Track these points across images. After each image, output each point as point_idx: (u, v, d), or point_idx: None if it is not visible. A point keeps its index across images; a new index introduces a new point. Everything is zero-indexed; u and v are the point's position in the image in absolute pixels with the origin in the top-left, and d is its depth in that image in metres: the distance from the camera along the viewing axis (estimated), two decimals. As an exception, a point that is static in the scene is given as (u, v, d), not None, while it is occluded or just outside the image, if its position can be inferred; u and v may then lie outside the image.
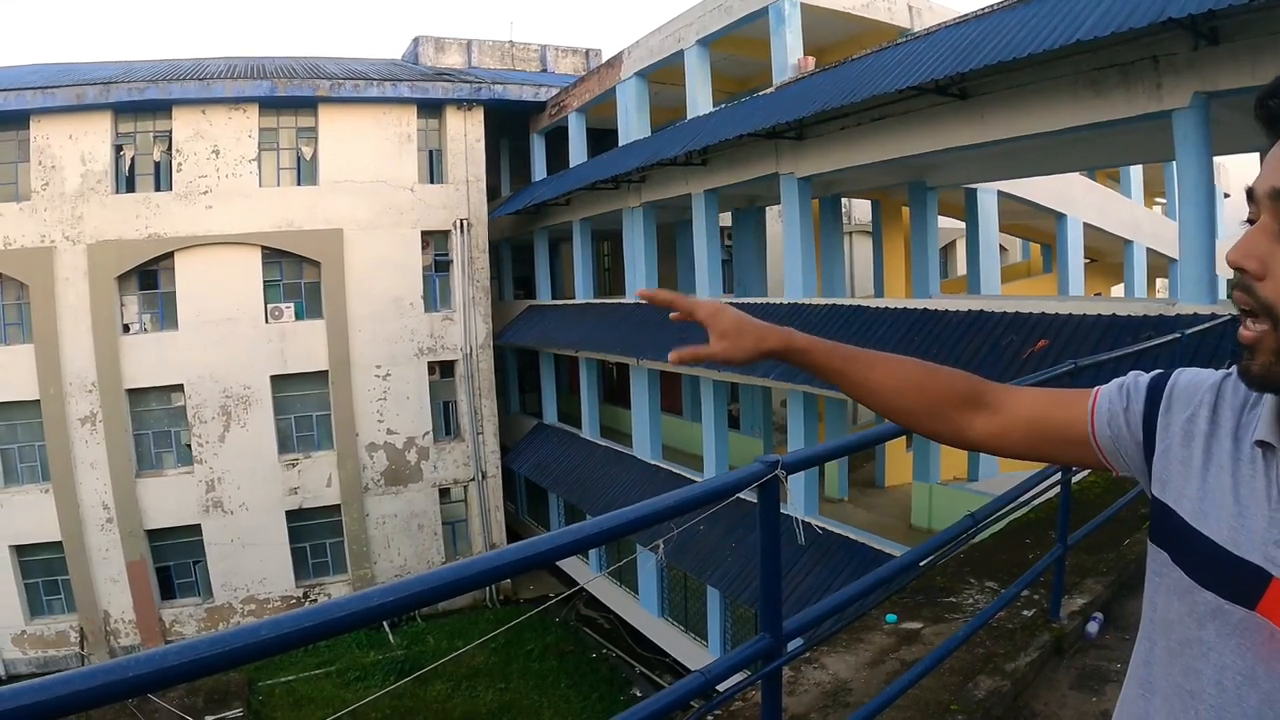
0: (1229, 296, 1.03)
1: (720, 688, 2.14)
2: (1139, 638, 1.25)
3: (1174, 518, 1.15)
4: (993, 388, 1.46)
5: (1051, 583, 4.30)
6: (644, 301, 1.64)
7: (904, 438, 19.16)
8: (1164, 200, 30.56)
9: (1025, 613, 4.36)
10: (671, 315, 1.55)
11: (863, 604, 2.93)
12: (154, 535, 23.70)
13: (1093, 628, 4.30)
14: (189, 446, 24.12)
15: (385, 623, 23.38)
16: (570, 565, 25.82)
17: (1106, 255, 27.65)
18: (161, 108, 23.36)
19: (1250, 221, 1.02)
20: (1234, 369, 1.15)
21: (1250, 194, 1.01)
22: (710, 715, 3.23)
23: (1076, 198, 22.09)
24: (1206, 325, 7.59)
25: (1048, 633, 4.11)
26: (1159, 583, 1.19)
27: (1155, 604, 1.20)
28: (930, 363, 1.50)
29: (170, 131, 23.59)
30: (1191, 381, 1.22)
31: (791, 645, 2.36)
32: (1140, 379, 1.29)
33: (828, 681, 3.67)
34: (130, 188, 23.53)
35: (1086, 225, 22.48)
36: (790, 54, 18.06)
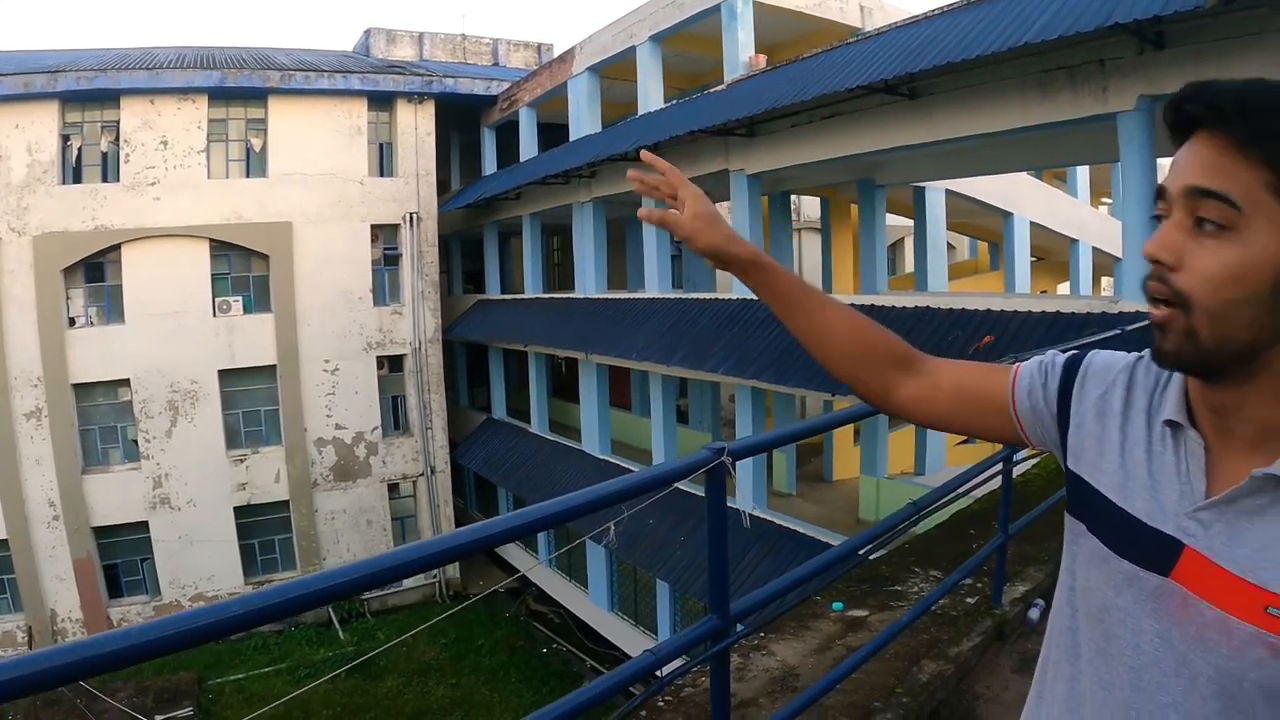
0: (1141, 288, 1.11)
1: (667, 672, 2.17)
2: (1057, 605, 1.33)
3: (1089, 489, 1.25)
4: (922, 355, 1.55)
5: (994, 571, 4.42)
6: (644, 162, 1.62)
7: (851, 429, 19.16)
8: (1110, 200, 31.02)
9: (968, 600, 4.46)
10: (654, 180, 1.53)
11: (807, 588, 3.01)
12: (101, 532, 23.34)
13: (1034, 614, 4.41)
14: (135, 442, 23.76)
15: (335, 619, 23.31)
16: (520, 559, 25.83)
17: (1053, 254, 28.02)
18: (110, 97, 22.97)
19: (1157, 218, 1.09)
20: (1146, 353, 1.23)
21: (1161, 192, 1.07)
22: (660, 699, 3.29)
23: (1023, 197, 22.38)
24: (1147, 322, 7.76)
25: (990, 619, 4.22)
26: (1076, 550, 1.28)
27: (1075, 572, 1.28)
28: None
29: (118, 122, 23.21)
30: (1105, 362, 1.30)
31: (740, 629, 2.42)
32: (1058, 357, 1.36)
33: (775, 667, 3.74)
34: (77, 179, 23.11)
35: (1033, 224, 22.76)
36: (742, 51, 18.18)
